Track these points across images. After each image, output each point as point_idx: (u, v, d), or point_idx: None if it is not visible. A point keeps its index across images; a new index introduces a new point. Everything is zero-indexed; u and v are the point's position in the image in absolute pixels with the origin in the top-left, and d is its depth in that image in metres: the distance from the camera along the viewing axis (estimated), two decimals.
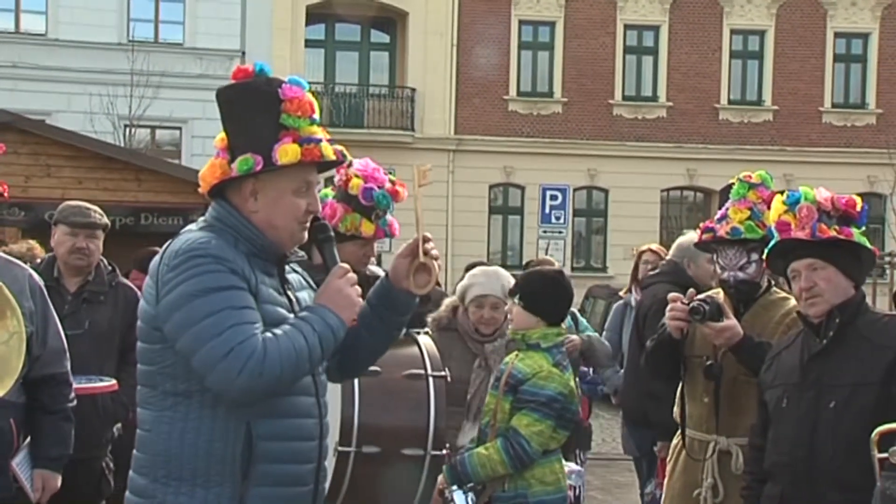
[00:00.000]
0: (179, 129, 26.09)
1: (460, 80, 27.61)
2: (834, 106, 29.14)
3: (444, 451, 3.99)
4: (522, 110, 28.05)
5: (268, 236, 2.83)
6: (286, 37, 26.77)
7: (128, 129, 23.40)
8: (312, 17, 27.84)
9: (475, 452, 4.53)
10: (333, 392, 3.32)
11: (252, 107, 2.82)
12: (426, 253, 2.99)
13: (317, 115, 2.88)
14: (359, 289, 2.85)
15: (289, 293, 2.89)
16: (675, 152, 28.19)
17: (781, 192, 3.94)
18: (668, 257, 6.67)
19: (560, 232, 21.30)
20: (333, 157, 2.86)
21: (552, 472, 4.62)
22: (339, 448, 3.76)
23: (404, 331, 4.12)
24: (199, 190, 2.91)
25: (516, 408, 4.54)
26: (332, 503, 3.74)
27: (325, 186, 4.41)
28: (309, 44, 27.74)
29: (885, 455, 3.42)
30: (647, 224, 27.47)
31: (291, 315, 2.79)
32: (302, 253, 3.03)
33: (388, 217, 4.29)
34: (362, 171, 4.26)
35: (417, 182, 3.09)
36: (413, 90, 27.42)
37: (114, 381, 5.68)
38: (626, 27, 28.72)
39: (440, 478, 4.40)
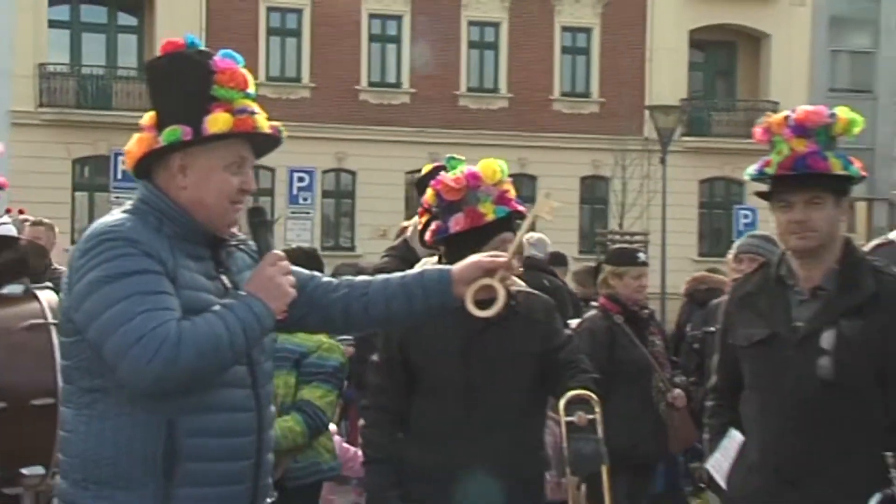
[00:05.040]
0: None
1: None
2: (562, 95, 30.32)
3: None
4: (271, 94, 27.89)
5: (197, 217, 2.55)
6: (29, 17, 25.91)
7: None
8: None
9: (277, 424, 4.15)
10: None
11: (182, 78, 2.55)
12: (503, 280, 2.67)
13: (252, 90, 2.60)
14: (292, 278, 2.58)
15: (223, 277, 2.62)
16: (419, 136, 28.68)
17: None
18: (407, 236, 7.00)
19: (307, 213, 21.48)
20: (268, 131, 2.59)
21: (330, 440, 4.75)
22: None
23: (24, 288, 3.99)
24: (125, 167, 2.68)
25: (304, 381, 4.60)
26: None
27: None
28: (53, 24, 26.82)
29: (572, 419, 3.67)
30: (393, 205, 27.96)
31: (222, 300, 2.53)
32: (243, 236, 2.73)
33: None
34: None
35: (538, 210, 2.82)
36: None
37: None
38: (371, 16, 29.19)
39: None
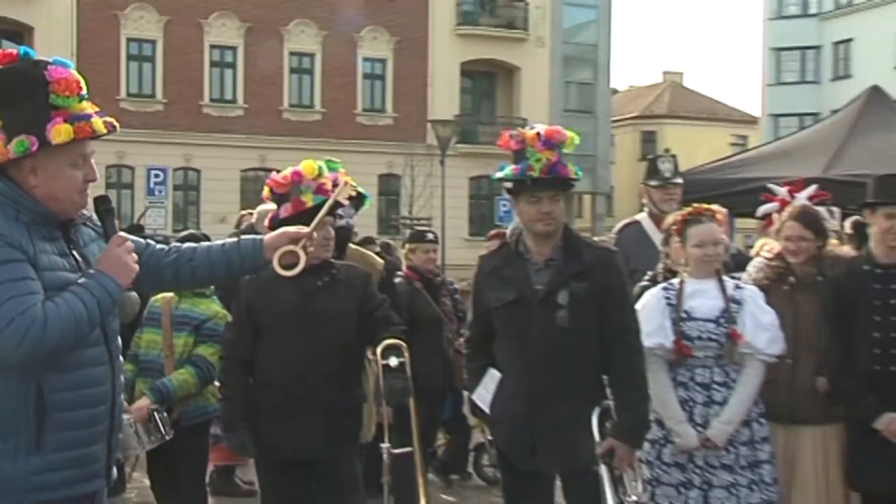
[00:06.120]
0: None
1: None
2: (364, 110, 30.27)
3: None
4: (132, 108, 27.07)
5: (49, 206, 2.35)
6: None
7: None
8: None
9: (173, 377, 4.42)
10: None
11: (21, 90, 2.31)
12: (304, 247, 2.57)
13: (84, 92, 2.38)
14: (136, 256, 2.41)
15: (74, 252, 2.42)
16: (251, 142, 28.34)
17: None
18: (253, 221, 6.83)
19: (162, 203, 21.01)
20: (105, 131, 2.37)
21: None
22: None
23: None
24: None
25: (200, 341, 4.51)
26: None
27: None
28: None
29: (386, 362, 3.68)
30: (230, 196, 27.62)
31: (76, 274, 2.36)
32: (89, 214, 2.52)
33: None
34: None
35: (338, 194, 2.77)
36: None
37: None
38: (212, 46, 28.59)
39: (145, 399, 4.35)
